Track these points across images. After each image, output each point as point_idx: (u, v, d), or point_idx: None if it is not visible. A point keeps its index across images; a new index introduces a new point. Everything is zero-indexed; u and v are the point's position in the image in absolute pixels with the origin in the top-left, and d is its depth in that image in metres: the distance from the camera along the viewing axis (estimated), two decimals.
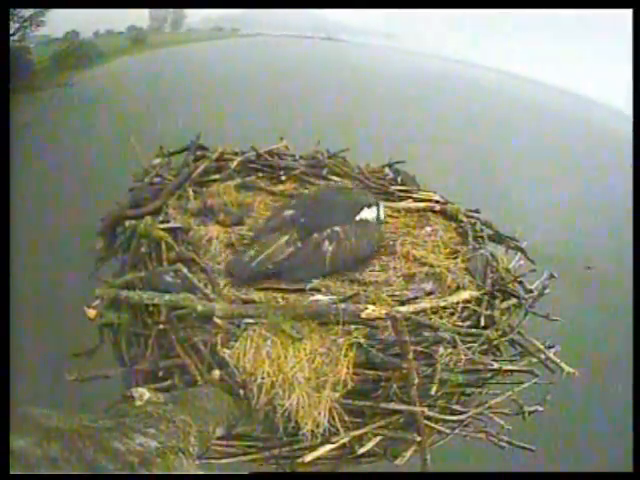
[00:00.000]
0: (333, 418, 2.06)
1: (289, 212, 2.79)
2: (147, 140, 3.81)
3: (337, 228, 2.69)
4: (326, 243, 2.63)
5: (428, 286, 2.62)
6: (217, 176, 3.35)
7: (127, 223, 2.85)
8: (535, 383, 2.57)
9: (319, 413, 2.03)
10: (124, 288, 2.39)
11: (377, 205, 2.96)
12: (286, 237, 2.63)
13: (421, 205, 3.39)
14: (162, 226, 2.72)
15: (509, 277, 2.82)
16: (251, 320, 2.13)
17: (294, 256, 2.58)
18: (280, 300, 2.31)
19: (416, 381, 2.10)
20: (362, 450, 2.23)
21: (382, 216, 2.99)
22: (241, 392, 2.08)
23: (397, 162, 3.77)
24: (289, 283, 2.54)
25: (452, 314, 2.44)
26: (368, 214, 2.87)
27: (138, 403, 1.45)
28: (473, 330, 2.42)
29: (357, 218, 2.81)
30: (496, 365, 2.38)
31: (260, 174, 3.52)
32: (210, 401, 1.85)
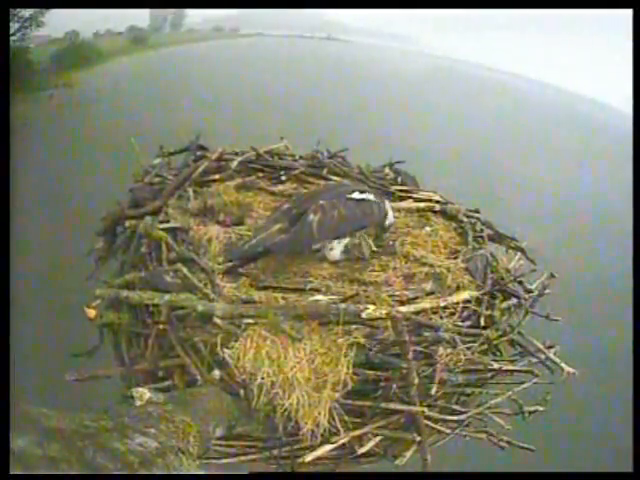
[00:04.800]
0: (333, 418, 2.06)
1: (286, 206, 2.84)
2: (147, 140, 3.81)
3: (322, 202, 2.71)
4: (311, 215, 2.65)
5: (428, 286, 2.62)
6: (217, 176, 3.35)
7: (127, 223, 2.85)
8: (535, 383, 2.57)
9: (319, 413, 2.03)
10: (124, 288, 2.39)
11: (376, 195, 2.97)
12: (279, 225, 2.67)
13: (421, 205, 3.39)
14: (162, 226, 2.71)
15: (509, 277, 2.81)
16: (251, 320, 2.13)
17: (284, 235, 2.64)
18: (280, 300, 2.31)
19: (416, 381, 2.10)
20: (362, 450, 2.23)
21: (388, 221, 2.98)
22: (241, 392, 2.08)
23: (397, 162, 3.77)
24: (281, 257, 2.61)
25: (452, 314, 2.44)
26: (362, 196, 2.87)
27: (138, 403, 1.45)
28: (473, 330, 2.42)
29: (349, 197, 2.82)
30: (496, 365, 2.38)
31: (260, 174, 3.52)
32: (210, 401, 1.86)
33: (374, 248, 2.87)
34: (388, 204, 3.00)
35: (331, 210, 2.68)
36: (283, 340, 2.09)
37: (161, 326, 2.28)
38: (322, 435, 2.06)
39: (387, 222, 2.96)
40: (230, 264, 2.55)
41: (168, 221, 2.81)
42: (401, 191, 3.50)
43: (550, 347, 2.62)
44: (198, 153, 3.47)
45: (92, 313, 2.35)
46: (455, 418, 2.38)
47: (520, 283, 2.84)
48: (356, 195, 2.85)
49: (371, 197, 2.91)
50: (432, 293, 2.57)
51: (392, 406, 2.19)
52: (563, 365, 2.54)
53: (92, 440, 1.00)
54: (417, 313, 2.32)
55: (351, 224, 2.76)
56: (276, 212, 2.86)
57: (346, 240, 2.78)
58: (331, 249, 2.76)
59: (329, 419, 2.05)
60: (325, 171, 3.56)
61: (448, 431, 2.40)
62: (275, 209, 2.96)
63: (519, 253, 3.18)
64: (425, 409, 2.19)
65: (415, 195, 3.49)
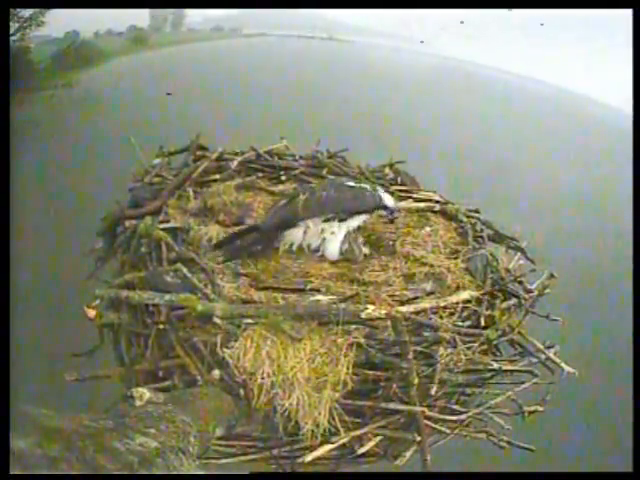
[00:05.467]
0: (333, 418, 2.06)
1: (281, 203, 2.87)
2: (147, 140, 3.81)
3: (313, 185, 2.83)
4: (300, 195, 2.74)
5: (428, 286, 2.62)
6: (217, 176, 3.35)
7: (127, 223, 2.85)
8: (535, 383, 2.57)
9: (319, 413, 2.03)
10: (124, 288, 2.39)
11: (372, 188, 3.00)
12: None
13: (421, 205, 3.39)
14: (162, 226, 2.72)
15: (509, 277, 2.81)
16: (251, 320, 2.13)
17: (271, 213, 2.76)
18: (280, 300, 2.31)
19: (416, 381, 2.10)
20: (362, 450, 2.23)
21: (388, 203, 2.97)
22: (241, 392, 2.08)
23: (397, 162, 3.77)
24: (264, 240, 2.69)
25: (452, 314, 2.44)
26: (355, 184, 2.94)
27: (138, 403, 1.45)
28: (473, 330, 2.41)
29: (341, 183, 2.92)
30: (496, 365, 2.38)
31: (260, 174, 3.52)
32: (210, 401, 1.86)
33: (366, 252, 2.88)
34: (384, 194, 3.01)
35: (320, 191, 2.76)
36: (283, 340, 2.09)
37: (161, 326, 2.28)
38: (322, 435, 2.06)
39: (387, 203, 2.97)
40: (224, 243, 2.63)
41: (168, 221, 2.82)
42: (401, 191, 3.50)
43: (550, 347, 2.62)
44: (198, 153, 3.48)
45: (92, 313, 2.35)
46: (455, 418, 2.38)
47: (520, 283, 2.84)
48: (350, 183, 2.92)
49: (366, 186, 2.94)
50: (432, 293, 2.58)
51: (392, 406, 2.19)
52: (563, 365, 2.54)
53: (92, 440, 1.00)
54: (417, 313, 2.32)
55: (339, 205, 2.78)
56: (272, 210, 2.89)
57: (341, 236, 2.80)
58: (325, 240, 2.78)
59: (329, 419, 2.05)
60: (325, 171, 3.56)
61: (448, 431, 2.40)
62: (272, 207, 2.99)
63: (519, 253, 3.18)
64: (425, 409, 2.19)
65: (415, 195, 3.49)
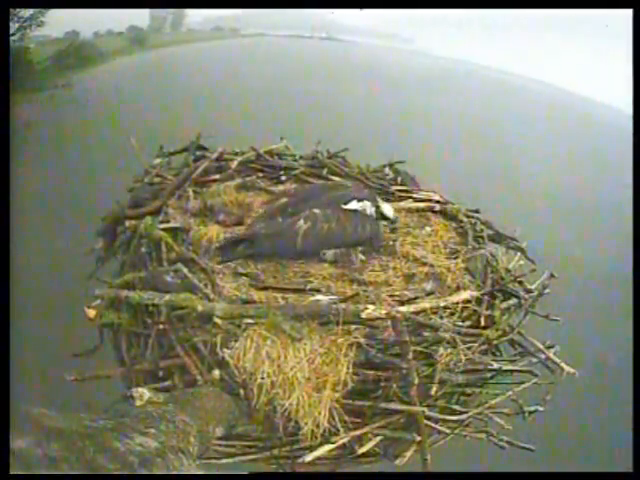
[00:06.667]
0: (333, 418, 2.06)
1: (282, 200, 2.85)
2: (147, 140, 3.81)
3: (317, 211, 2.70)
4: (301, 222, 2.64)
5: (428, 286, 2.62)
6: (217, 176, 3.35)
7: (127, 223, 2.85)
8: (535, 383, 2.57)
9: (319, 413, 2.03)
10: (124, 288, 2.39)
11: (373, 201, 2.92)
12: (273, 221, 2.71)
13: (421, 205, 3.39)
14: (162, 226, 2.72)
15: (509, 277, 2.82)
16: (251, 320, 2.13)
17: (269, 227, 2.65)
18: (280, 300, 2.31)
19: (416, 381, 2.10)
20: (362, 450, 2.23)
21: (388, 213, 2.96)
22: (241, 392, 2.09)
23: (397, 162, 3.77)
24: (259, 253, 2.62)
25: (452, 314, 2.44)
26: (359, 206, 2.83)
27: (138, 403, 1.45)
28: (473, 330, 2.42)
29: (344, 207, 2.80)
30: (496, 365, 2.38)
31: (260, 174, 3.52)
32: (210, 401, 1.85)
33: (363, 258, 2.85)
34: (385, 204, 2.99)
35: (322, 222, 2.67)
36: (283, 340, 2.09)
37: (161, 326, 2.28)
38: (322, 435, 2.06)
39: (388, 215, 2.94)
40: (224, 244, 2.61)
41: (168, 221, 2.82)
42: (401, 191, 3.50)
43: (550, 347, 2.62)
44: (198, 153, 3.48)
45: (92, 313, 2.35)
46: (455, 418, 2.38)
47: (520, 283, 2.84)
48: (352, 205, 2.81)
49: (367, 207, 2.86)
50: (432, 293, 2.58)
51: (392, 406, 2.19)
52: (563, 365, 2.54)
53: (92, 440, 1.00)
54: (417, 313, 2.32)
55: (338, 239, 2.74)
56: (272, 207, 2.87)
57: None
58: (324, 254, 2.77)
59: (329, 419, 2.05)
60: (325, 171, 3.56)
61: (448, 431, 2.40)
62: (271, 202, 2.97)
63: (519, 253, 3.18)
64: (425, 409, 2.19)
65: (415, 195, 3.50)
